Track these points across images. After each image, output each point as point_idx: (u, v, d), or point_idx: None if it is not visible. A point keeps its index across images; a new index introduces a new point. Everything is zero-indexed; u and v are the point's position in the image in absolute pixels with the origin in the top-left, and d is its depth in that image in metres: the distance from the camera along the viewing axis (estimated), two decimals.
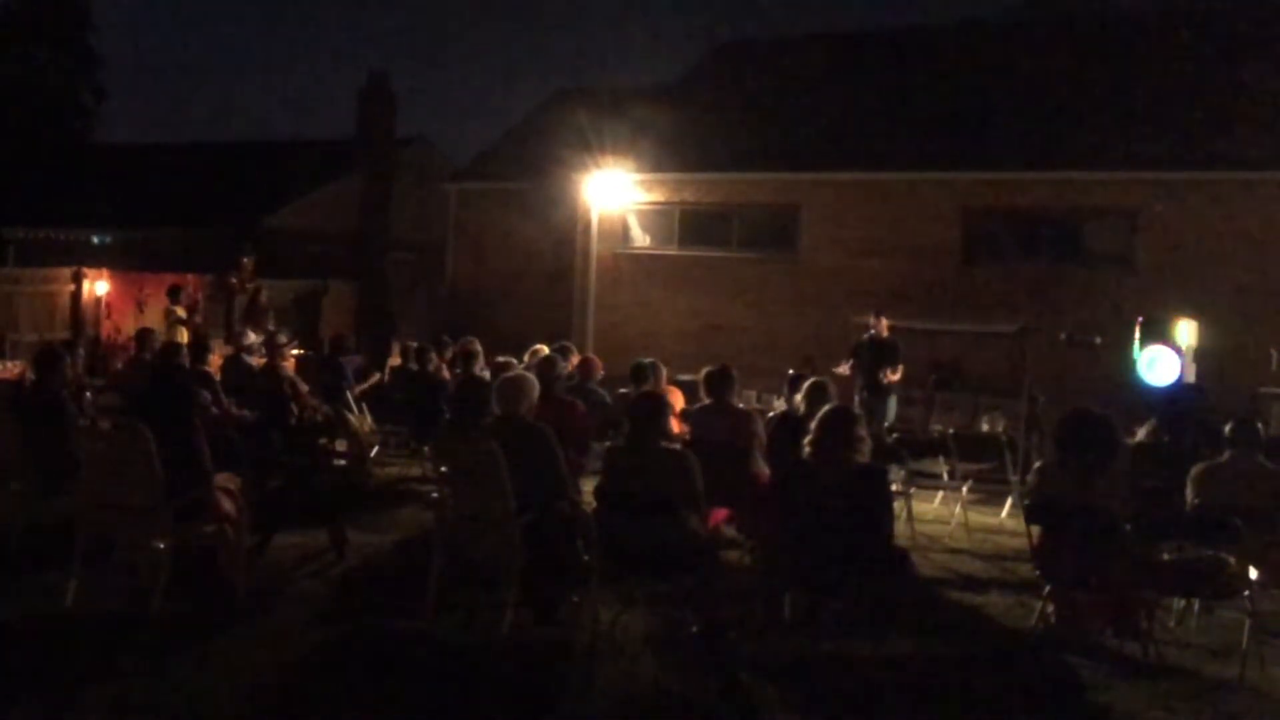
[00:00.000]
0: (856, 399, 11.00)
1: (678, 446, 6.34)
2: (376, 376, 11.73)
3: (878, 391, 11.30)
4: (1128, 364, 9.37)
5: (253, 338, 12.12)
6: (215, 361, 10.46)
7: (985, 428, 9.67)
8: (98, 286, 16.48)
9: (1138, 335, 9.21)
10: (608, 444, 6.60)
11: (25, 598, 5.83)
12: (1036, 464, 6.13)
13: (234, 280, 15.58)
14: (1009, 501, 9.01)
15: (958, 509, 8.81)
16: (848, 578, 5.24)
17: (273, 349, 10.33)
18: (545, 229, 18.70)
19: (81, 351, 11.31)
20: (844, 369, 11.48)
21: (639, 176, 17.58)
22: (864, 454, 5.40)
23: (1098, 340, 10.90)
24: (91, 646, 5.20)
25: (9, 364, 11.98)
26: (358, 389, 10.77)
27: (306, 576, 6.50)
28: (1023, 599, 6.48)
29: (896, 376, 11.29)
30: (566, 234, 18.42)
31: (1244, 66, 15.87)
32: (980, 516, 9.01)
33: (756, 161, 17.20)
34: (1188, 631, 6.04)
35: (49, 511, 6.36)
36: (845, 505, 5.21)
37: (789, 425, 7.03)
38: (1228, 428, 6.29)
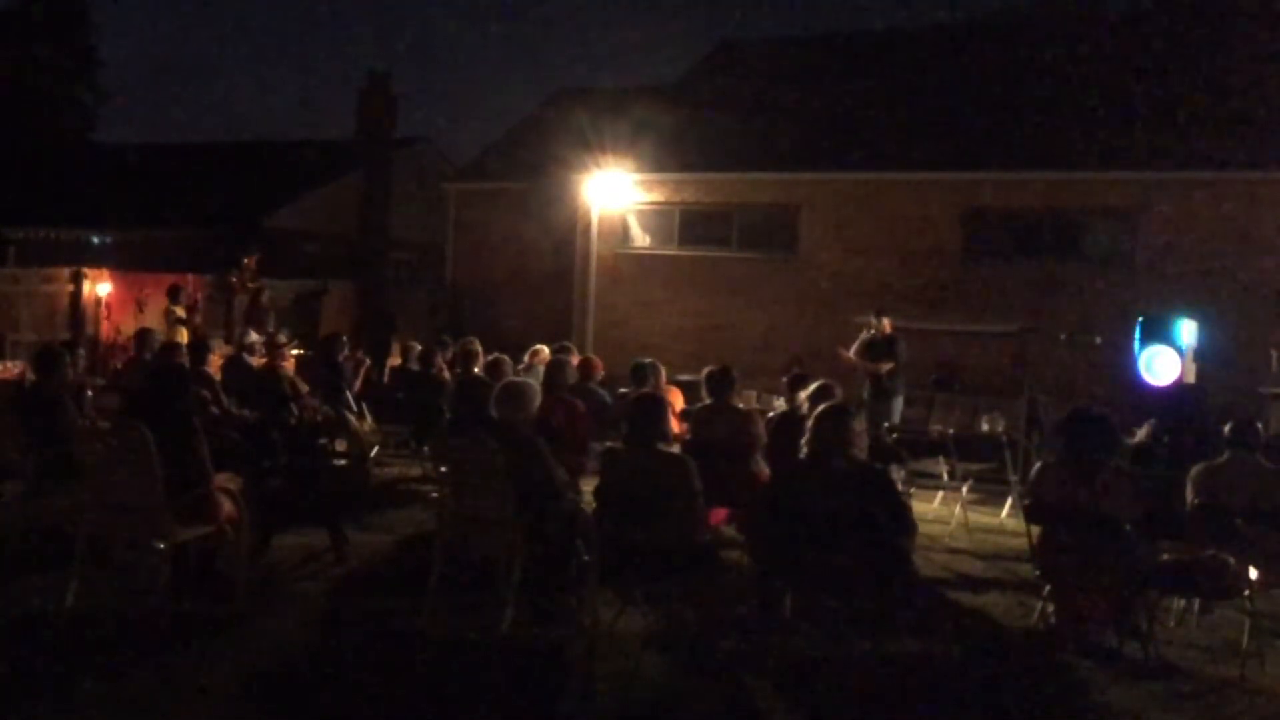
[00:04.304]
0: (862, 398, 11.00)
1: (676, 449, 6.34)
2: (368, 362, 11.66)
3: (882, 393, 11.28)
4: (1128, 364, 9.37)
5: (254, 337, 12.13)
6: (215, 361, 10.46)
7: (985, 428, 9.65)
8: (98, 287, 16.47)
9: (1138, 335, 9.21)
10: (607, 444, 6.60)
11: (25, 598, 5.83)
12: (1036, 464, 6.13)
13: (234, 280, 15.59)
14: (1009, 501, 9.01)
15: (958, 509, 8.81)
16: (846, 576, 5.24)
17: (273, 349, 10.33)
18: (545, 229, 18.71)
19: (82, 351, 11.26)
20: (848, 354, 11.47)
21: (639, 176, 17.58)
22: (862, 449, 5.40)
23: (1098, 340, 10.91)
24: (91, 646, 5.20)
25: (9, 364, 11.97)
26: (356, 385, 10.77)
27: (306, 576, 6.50)
28: (1023, 599, 6.48)
29: (887, 368, 11.27)
30: (566, 234, 18.43)
31: (1244, 66, 15.87)
32: (980, 516, 9.01)
33: (756, 161, 17.21)
34: (1188, 631, 6.04)
35: (49, 511, 6.36)
36: (843, 503, 5.20)
37: (789, 425, 7.02)
38: (1228, 428, 6.28)
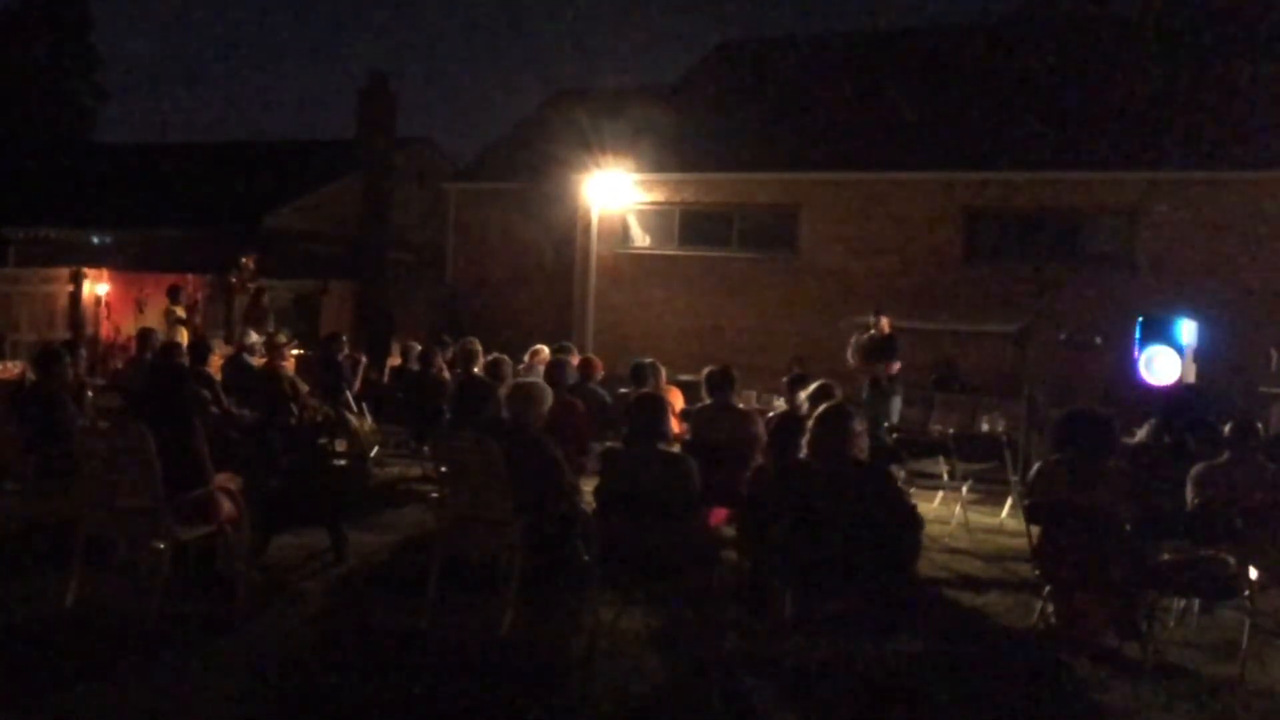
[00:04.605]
0: (861, 398, 10.99)
1: (676, 448, 6.34)
2: (364, 361, 11.69)
3: (880, 391, 11.27)
4: (1128, 364, 9.37)
5: (254, 337, 12.13)
6: (215, 361, 10.46)
7: (985, 428, 9.67)
8: (98, 287, 16.48)
9: (1138, 335, 9.21)
10: (607, 444, 6.60)
11: (25, 598, 5.83)
12: (1036, 464, 6.13)
13: (234, 280, 15.59)
14: (1009, 501, 9.01)
15: (958, 509, 8.81)
16: (846, 576, 5.23)
17: (273, 349, 10.33)
18: (545, 229, 18.71)
19: (84, 352, 11.16)
20: (853, 360, 11.47)
21: (639, 176, 17.58)
22: (862, 450, 5.40)
23: (1098, 340, 10.90)
24: (91, 646, 5.20)
25: (9, 364, 11.97)
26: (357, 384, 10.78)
27: (306, 576, 6.50)
28: (1023, 599, 6.48)
29: (895, 368, 11.26)
30: (566, 234, 18.42)
31: (1244, 66, 15.86)
32: (980, 516, 9.01)
33: (756, 161, 17.20)
34: (1188, 631, 6.04)
35: (49, 511, 6.36)
36: (844, 503, 5.20)
37: (789, 425, 7.02)
38: (1228, 428, 6.29)
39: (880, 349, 11.38)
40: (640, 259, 17.95)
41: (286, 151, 25.72)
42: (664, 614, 5.85)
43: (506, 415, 6.00)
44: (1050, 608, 5.70)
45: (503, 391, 7.70)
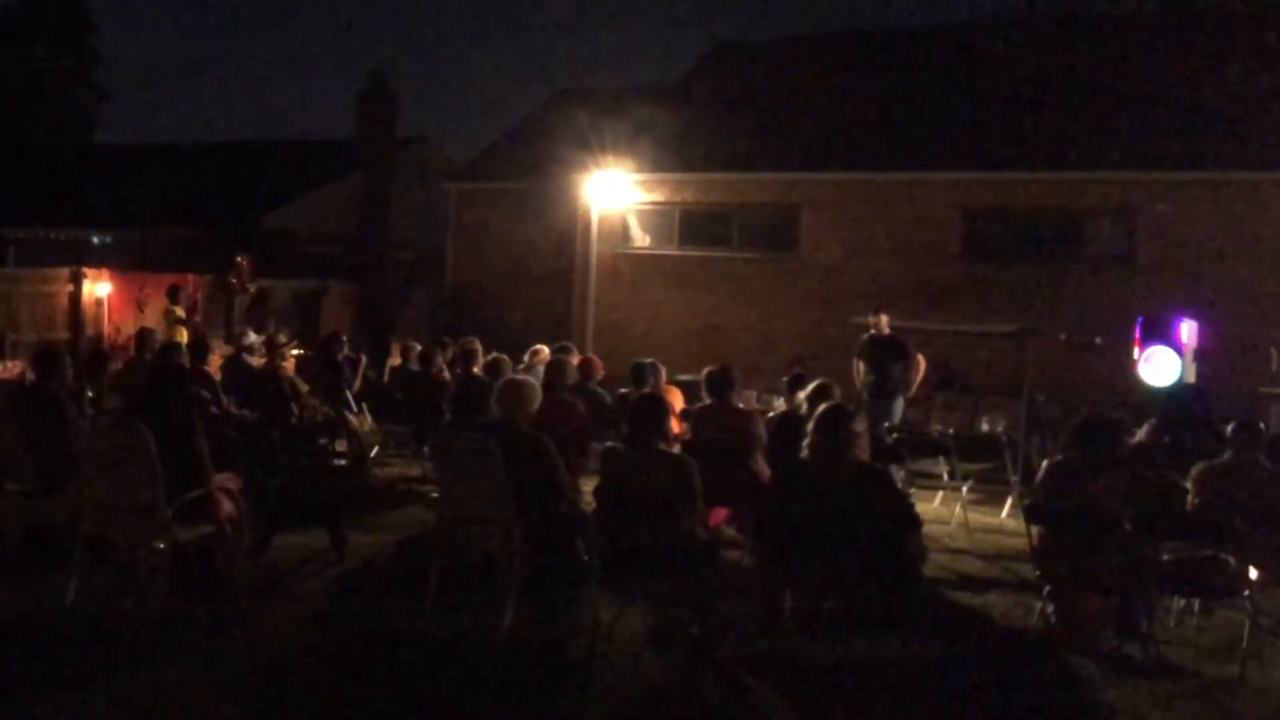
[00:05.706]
0: (861, 399, 10.98)
1: (676, 448, 6.34)
2: (364, 360, 11.68)
3: (882, 393, 11.25)
4: (1128, 364, 9.37)
5: (253, 338, 12.12)
6: (215, 361, 10.46)
7: (985, 428, 9.66)
8: (98, 287, 16.47)
9: (1138, 335, 9.21)
10: (607, 444, 6.59)
11: (25, 598, 5.83)
12: (1044, 463, 6.12)
13: (234, 280, 15.59)
14: (1009, 501, 9.01)
15: (958, 509, 8.80)
16: (846, 576, 5.24)
17: (273, 349, 10.33)
18: (545, 229, 18.70)
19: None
20: (859, 373, 11.48)
21: (639, 176, 17.58)
22: (862, 450, 5.40)
23: (1098, 340, 10.91)
24: (91, 646, 5.20)
25: (9, 364, 11.96)
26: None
27: (306, 576, 6.50)
28: (1023, 599, 6.48)
29: (919, 376, 11.27)
30: (566, 234, 18.42)
31: (1243, 66, 15.86)
32: (980, 516, 9.00)
33: (756, 161, 17.21)
34: (1188, 631, 6.04)
35: (49, 511, 6.36)
36: (844, 503, 5.20)
37: (789, 425, 7.02)
38: (1228, 428, 6.29)
39: (885, 352, 11.34)
40: (640, 259, 17.95)
41: (286, 151, 25.76)
42: (664, 614, 5.85)
43: (496, 412, 5.99)
44: (1050, 608, 5.70)
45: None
